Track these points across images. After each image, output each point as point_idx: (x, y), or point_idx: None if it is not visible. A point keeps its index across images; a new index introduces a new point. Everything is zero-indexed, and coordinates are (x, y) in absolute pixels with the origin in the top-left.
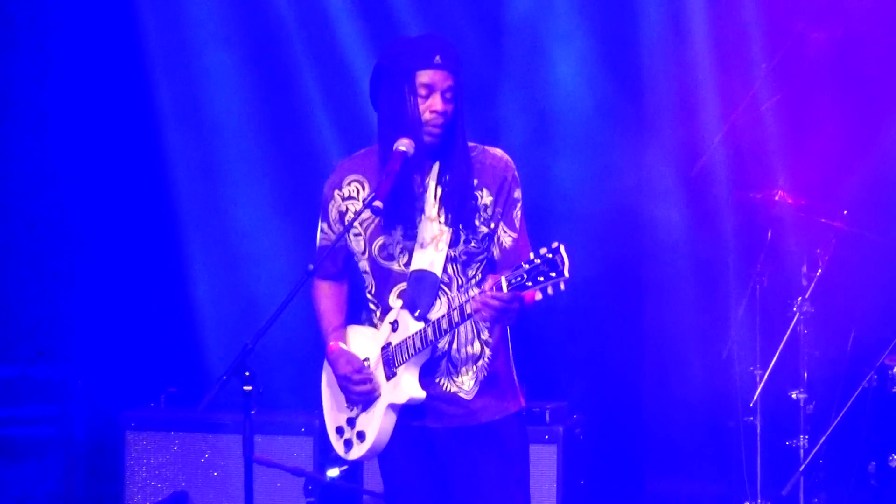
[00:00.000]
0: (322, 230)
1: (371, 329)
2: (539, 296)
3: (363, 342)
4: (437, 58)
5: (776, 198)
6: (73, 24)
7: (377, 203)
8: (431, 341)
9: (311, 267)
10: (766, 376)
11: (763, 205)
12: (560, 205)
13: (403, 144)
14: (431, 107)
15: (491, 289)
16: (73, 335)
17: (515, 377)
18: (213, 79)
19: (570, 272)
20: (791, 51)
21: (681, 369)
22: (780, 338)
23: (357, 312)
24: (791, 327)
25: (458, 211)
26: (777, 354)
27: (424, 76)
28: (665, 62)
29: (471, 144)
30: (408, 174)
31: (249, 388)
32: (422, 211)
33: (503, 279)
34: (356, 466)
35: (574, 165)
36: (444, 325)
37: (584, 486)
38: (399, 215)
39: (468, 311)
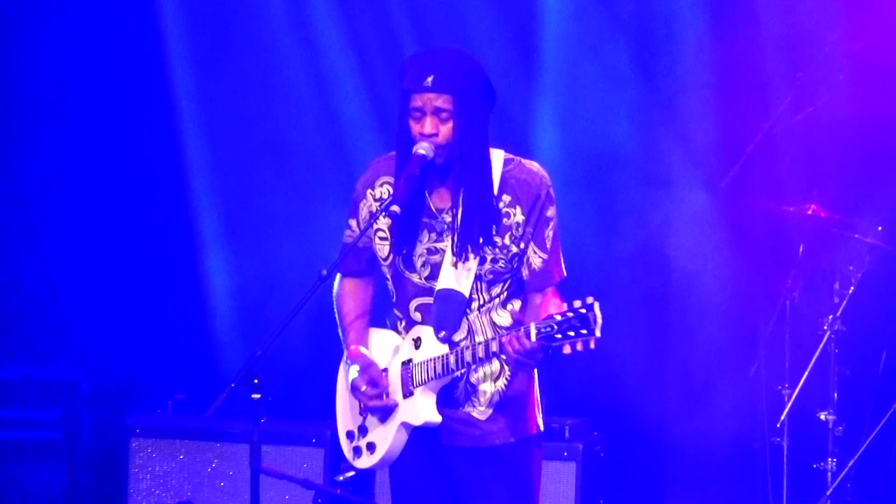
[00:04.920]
0: (350, 227)
1: (394, 335)
2: (567, 349)
3: (385, 349)
4: (429, 79)
5: (809, 212)
6: (84, 21)
7: (394, 208)
8: (452, 370)
9: (324, 272)
10: (794, 396)
11: (795, 218)
12: (587, 215)
13: (423, 148)
14: (420, 130)
15: (518, 335)
16: (79, 337)
17: (536, 399)
18: (230, 73)
19: (601, 331)
20: (827, 61)
21: (706, 387)
22: (810, 356)
23: (384, 314)
24: (821, 346)
25: (476, 231)
26: (806, 374)
27: (416, 99)
28: (698, 70)
29: (507, 157)
30: (431, 181)
31: (258, 395)
32: (448, 226)
33: (532, 327)
34: (368, 479)
35: (601, 174)
36: (468, 357)
37: None
38: (419, 223)
39: (493, 348)
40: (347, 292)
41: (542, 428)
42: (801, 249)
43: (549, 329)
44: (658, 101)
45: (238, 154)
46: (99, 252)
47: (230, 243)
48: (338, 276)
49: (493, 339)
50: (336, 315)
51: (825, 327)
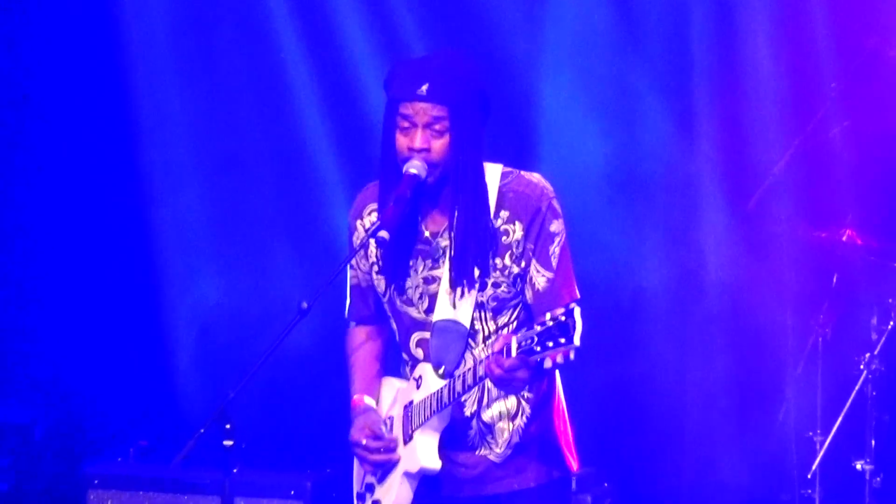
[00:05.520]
0: (350, 265)
1: (403, 381)
2: (548, 363)
3: (393, 396)
4: (424, 87)
5: (843, 237)
6: (47, 23)
7: (383, 234)
8: (446, 403)
9: (304, 305)
10: (827, 443)
11: (828, 245)
12: (595, 241)
13: (414, 167)
14: (410, 143)
15: (499, 352)
16: (31, 376)
17: (565, 437)
18: (189, 83)
19: (580, 340)
20: (864, 69)
21: (728, 433)
22: (845, 399)
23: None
24: (857, 387)
25: (472, 255)
26: (840, 418)
27: (406, 108)
28: (721, 82)
29: (505, 170)
30: (422, 203)
31: (231, 442)
32: (444, 251)
33: (513, 341)
34: None
35: (611, 196)
36: (458, 386)
37: None
38: (412, 251)
39: (480, 372)
40: (356, 340)
41: (574, 468)
42: (834, 280)
43: (528, 342)
44: (677, 116)
45: (199, 173)
46: (52, 282)
47: (196, 271)
48: (351, 323)
49: (480, 362)
50: (347, 369)
51: (861, 367)
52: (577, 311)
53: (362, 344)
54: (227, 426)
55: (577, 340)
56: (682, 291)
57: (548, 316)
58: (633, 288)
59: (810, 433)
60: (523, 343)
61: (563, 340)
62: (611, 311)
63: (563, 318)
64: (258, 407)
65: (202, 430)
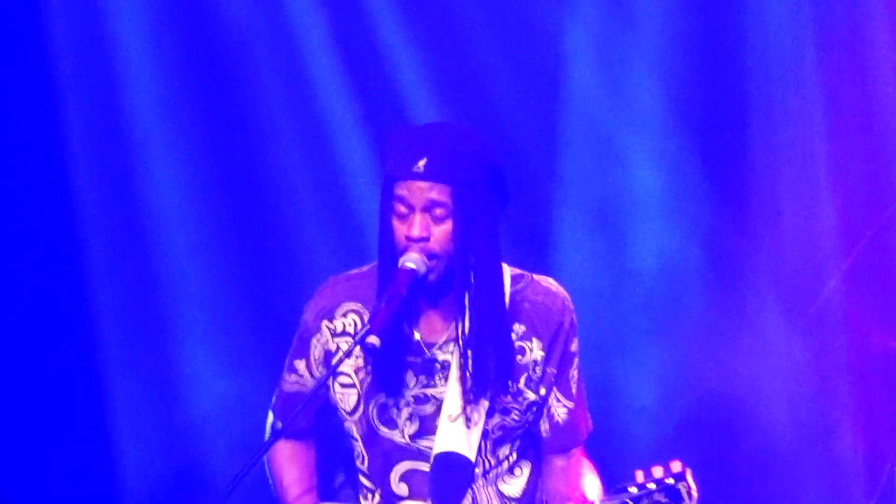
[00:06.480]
0: (296, 370)
1: None
2: None
3: None
4: (421, 163)
5: None
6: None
7: (372, 339)
8: None
9: (279, 425)
10: None
11: None
12: (621, 349)
13: (411, 260)
14: (407, 231)
15: None
16: None
17: None
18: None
19: None
20: None
21: None
22: None
23: (328, 475)
24: None
25: (492, 374)
26: None
27: (402, 189)
28: (781, 163)
29: (515, 272)
30: (418, 305)
31: None
32: (444, 366)
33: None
34: None
35: (642, 293)
36: None
37: None
38: (402, 363)
39: None
40: (287, 459)
41: None
42: None
43: None
44: (727, 202)
45: (155, 239)
46: None
47: (145, 373)
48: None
49: None
50: (274, 488)
51: None
52: (690, 474)
53: (295, 464)
54: None
55: None
56: (732, 412)
57: (640, 476)
58: (670, 404)
59: None
60: None
61: None
62: (638, 435)
63: (670, 482)
64: None
65: None
